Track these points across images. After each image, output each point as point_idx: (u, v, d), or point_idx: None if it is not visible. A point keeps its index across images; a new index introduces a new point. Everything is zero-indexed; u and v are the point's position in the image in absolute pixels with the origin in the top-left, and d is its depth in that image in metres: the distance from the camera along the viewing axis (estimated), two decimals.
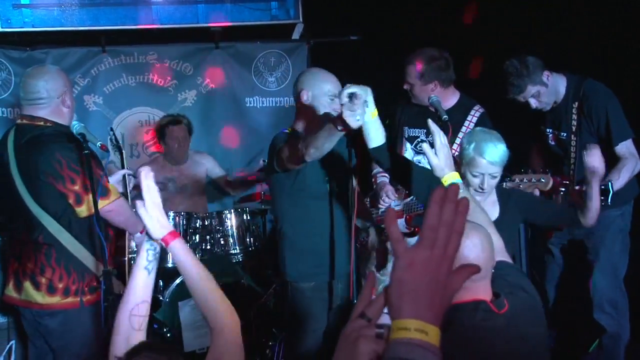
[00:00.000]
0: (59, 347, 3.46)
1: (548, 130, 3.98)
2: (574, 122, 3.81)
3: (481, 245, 2.19)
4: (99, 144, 3.46)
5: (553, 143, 3.98)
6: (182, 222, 5.05)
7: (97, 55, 5.89)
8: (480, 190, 3.19)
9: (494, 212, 3.26)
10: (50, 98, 3.45)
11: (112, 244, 3.61)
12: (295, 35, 6.21)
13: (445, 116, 3.59)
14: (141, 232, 3.58)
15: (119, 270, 3.52)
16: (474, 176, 3.19)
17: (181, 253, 2.13)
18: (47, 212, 3.35)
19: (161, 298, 4.98)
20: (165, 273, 5.19)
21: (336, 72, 6.08)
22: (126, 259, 3.56)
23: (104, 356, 3.19)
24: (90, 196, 3.27)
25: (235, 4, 5.88)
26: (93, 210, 3.26)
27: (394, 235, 1.12)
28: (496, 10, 5.23)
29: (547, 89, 3.83)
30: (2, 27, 5.54)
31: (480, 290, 2.18)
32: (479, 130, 3.38)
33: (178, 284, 4.97)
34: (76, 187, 3.31)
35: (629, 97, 3.92)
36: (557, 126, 3.91)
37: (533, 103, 3.88)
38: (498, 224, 3.18)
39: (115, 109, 5.96)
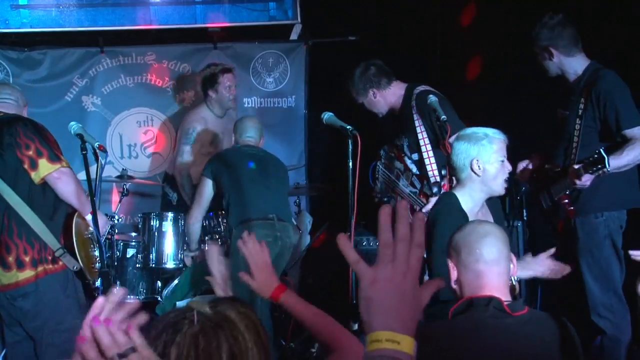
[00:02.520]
0: (35, 329, 3.53)
1: (559, 109, 4.01)
2: (581, 105, 3.82)
3: (497, 238, 2.26)
4: (97, 144, 3.57)
5: (559, 121, 3.99)
6: (180, 223, 5.05)
7: (95, 56, 5.89)
8: (507, 178, 3.19)
9: (490, 219, 3.25)
10: (18, 104, 3.77)
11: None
12: (294, 35, 6.20)
13: (443, 116, 3.59)
14: (91, 213, 3.62)
15: (70, 250, 3.55)
16: (502, 161, 3.15)
17: (293, 303, 2.16)
18: (9, 185, 3.48)
19: (159, 299, 4.98)
20: (163, 273, 5.20)
21: (334, 72, 6.13)
22: (74, 240, 3.59)
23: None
24: (45, 159, 3.45)
25: (233, 5, 5.88)
26: (46, 174, 3.45)
27: (351, 258, 1.15)
28: (495, 11, 5.23)
29: (548, 60, 3.90)
30: (0, 28, 5.54)
31: (495, 280, 2.20)
32: (468, 130, 3.28)
33: (176, 284, 4.97)
34: (30, 152, 3.45)
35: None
36: (564, 105, 3.93)
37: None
38: None
39: (114, 110, 5.96)
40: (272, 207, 4.49)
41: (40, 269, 3.49)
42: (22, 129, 3.49)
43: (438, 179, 4.11)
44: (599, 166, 3.37)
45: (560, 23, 3.85)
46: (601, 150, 3.38)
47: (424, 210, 4.08)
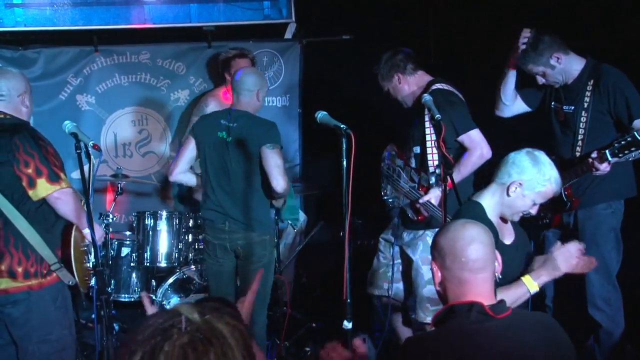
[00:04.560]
0: (21, 336, 3.50)
1: (555, 104, 4.05)
2: (587, 99, 3.88)
3: (482, 244, 2.24)
4: (91, 143, 3.50)
5: (562, 119, 4.02)
6: (175, 222, 5.06)
7: (89, 55, 5.88)
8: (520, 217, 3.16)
9: (511, 236, 3.23)
10: (10, 96, 3.58)
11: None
12: (288, 34, 6.21)
13: (438, 115, 3.61)
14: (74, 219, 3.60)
15: (67, 264, 3.55)
16: (534, 204, 3.09)
17: None
18: (5, 197, 3.42)
19: (154, 298, 4.98)
20: (158, 272, 5.20)
21: (328, 71, 6.14)
22: (72, 255, 3.57)
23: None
24: (44, 179, 3.38)
25: (227, 4, 5.88)
26: (45, 194, 3.39)
27: None
28: (489, 11, 5.25)
29: (553, 71, 3.95)
30: None
31: (480, 286, 2.20)
32: (544, 159, 3.10)
33: (170, 283, 4.98)
34: (29, 170, 3.39)
35: None
36: (564, 101, 3.97)
37: (539, 80, 4.05)
38: (515, 246, 3.17)
39: (108, 109, 5.95)
40: (225, 210, 4.19)
41: (33, 282, 3.46)
42: (22, 143, 3.40)
43: (437, 170, 4.12)
44: (632, 149, 3.44)
45: (544, 31, 3.93)
46: (635, 133, 3.43)
47: (420, 201, 4.10)
